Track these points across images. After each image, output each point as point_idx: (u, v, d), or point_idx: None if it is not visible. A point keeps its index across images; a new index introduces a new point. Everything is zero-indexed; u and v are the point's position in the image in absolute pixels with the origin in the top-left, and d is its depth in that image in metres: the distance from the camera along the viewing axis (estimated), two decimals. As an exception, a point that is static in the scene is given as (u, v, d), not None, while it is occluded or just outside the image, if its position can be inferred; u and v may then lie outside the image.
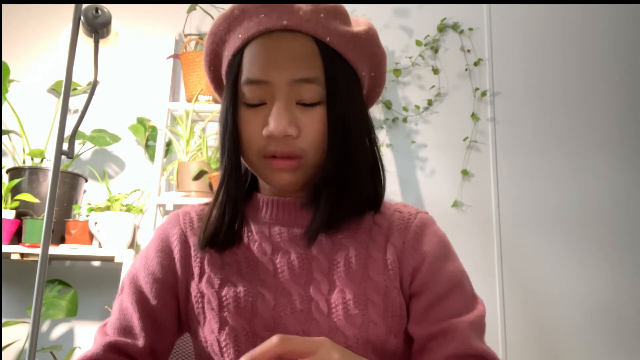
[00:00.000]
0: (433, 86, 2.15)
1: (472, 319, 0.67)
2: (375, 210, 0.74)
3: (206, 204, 0.79)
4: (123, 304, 0.73)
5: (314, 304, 0.67)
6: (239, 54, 0.68)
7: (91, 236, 1.84)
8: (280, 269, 0.69)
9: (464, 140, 2.10)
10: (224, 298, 0.68)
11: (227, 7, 2.17)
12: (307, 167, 0.68)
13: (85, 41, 1.29)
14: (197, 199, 1.83)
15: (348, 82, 0.69)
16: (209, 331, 0.68)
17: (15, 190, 1.81)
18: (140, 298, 0.72)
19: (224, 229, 0.71)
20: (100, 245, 1.84)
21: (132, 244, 1.89)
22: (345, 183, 0.69)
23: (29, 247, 1.73)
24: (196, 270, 0.72)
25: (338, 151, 0.67)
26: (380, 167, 0.73)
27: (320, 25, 0.66)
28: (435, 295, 0.68)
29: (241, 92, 0.68)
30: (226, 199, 0.71)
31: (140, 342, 0.70)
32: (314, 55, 0.66)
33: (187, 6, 2.12)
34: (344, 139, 0.67)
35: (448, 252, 0.72)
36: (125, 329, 0.71)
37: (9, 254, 1.74)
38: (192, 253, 0.73)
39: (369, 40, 0.71)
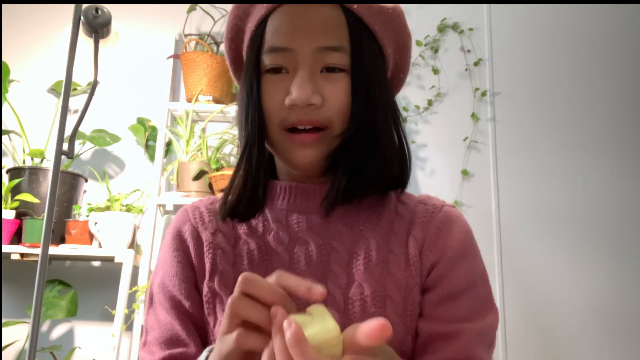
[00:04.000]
0: (433, 86, 2.15)
1: (482, 327, 0.63)
2: (401, 189, 0.71)
3: (215, 197, 0.76)
4: (159, 315, 0.69)
5: (330, 298, 0.63)
6: (262, 24, 0.67)
7: (91, 236, 1.84)
8: (296, 259, 0.66)
9: (464, 140, 2.10)
10: None
11: (227, 7, 2.18)
12: (331, 141, 0.64)
13: (85, 41, 1.29)
14: (197, 199, 1.83)
15: (373, 55, 0.67)
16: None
17: (15, 190, 1.81)
18: (174, 304, 0.68)
19: (245, 197, 0.68)
20: (100, 245, 1.84)
21: (132, 244, 1.89)
22: (366, 154, 0.65)
23: (29, 247, 1.73)
24: (207, 267, 0.68)
25: (360, 119, 0.64)
26: (407, 149, 0.70)
27: None
28: (446, 292, 0.64)
29: (263, 61, 0.66)
30: (248, 168, 0.68)
31: (192, 347, 0.66)
32: (341, 24, 0.65)
33: (187, 6, 2.12)
34: (366, 108, 0.65)
35: (469, 250, 0.68)
36: (172, 340, 0.67)
37: (9, 254, 1.74)
38: (205, 249, 0.69)
39: (396, 16, 0.69)
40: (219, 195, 0.74)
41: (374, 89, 0.66)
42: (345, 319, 0.62)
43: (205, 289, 0.67)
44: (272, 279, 0.48)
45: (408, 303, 0.63)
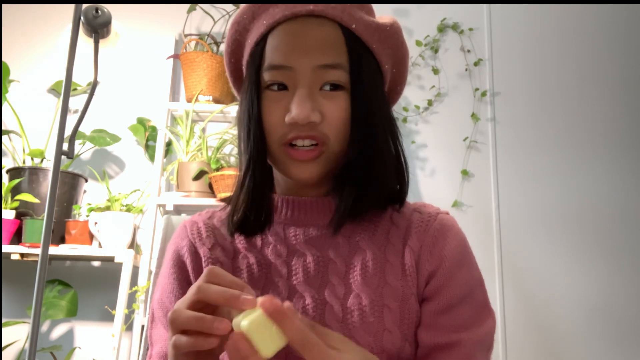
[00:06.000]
0: (433, 86, 2.15)
1: (481, 334, 0.66)
2: (400, 205, 0.72)
3: (214, 211, 0.77)
4: (159, 330, 0.71)
5: (328, 308, 0.65)
6: (262, 41, 0.68)
7: (91, 236, 1.84)
8: (294, 271, 0.68)
9: (464, 140, 2.10)
10: None
11: (227, 7, 2.18)
12: (329, 157, 0.66)
13: (85, 41, 1.29)
14: (197, 199, 1.83)
15: (372, 72, 0.68)
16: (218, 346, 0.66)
17: (15, 190, 1.81)
18: None
19: (253, 212, 0.70)
20: (100, 245, 1.84)
21: (132, 244, 1.89)
22: (369, 172, 0.67)
23: (29, 247, 1.73)
24: None
25: (361, 138, 0.66)
26: (404, 163, 0.72)
27: (346, 12, 0.66)
28: (446, 302, 0.66)
29: (263, 79, 0.67)
30: (253, 184, 0.69)
31: None
32: (339, 42, 0.65)
33: (187, 6, 2.12)
34: (367, 127, 0.66)
35: (465, 258, 0.69)
36: None
37: (9, 254, 1.74)
38: (203, 265, 0.71)
39: (394, 33, 0.70)
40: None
41: (373, 107, 0.67)
42: (344, 329, 0.63)
43: None
44: (200, 280, 0.52)
45: (405, 312, 0.65)
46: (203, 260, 0.71)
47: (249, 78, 0.69)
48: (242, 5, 0.71)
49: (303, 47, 0.65)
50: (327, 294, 0.66)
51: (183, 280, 0.71)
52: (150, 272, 1.83)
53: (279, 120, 0.65)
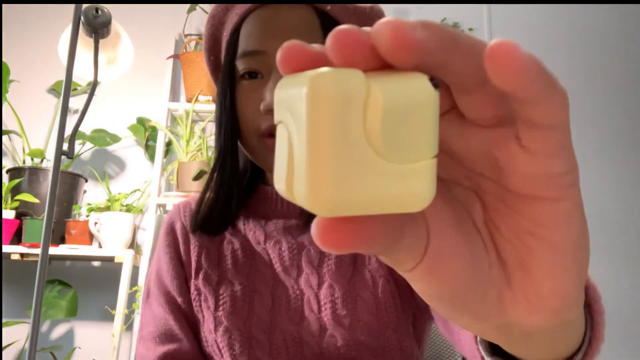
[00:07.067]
0: (433, 86, 2.15)
1: None
2: None
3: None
4: (154, 309, 0.69)
5: (306, 299, 0.63)
6: (236, 31, 0.66)
7: (91, 236, 1.84)
8: (273, 259, 0.67)
9: (464, 140, 2.10)
10: (221, 297, 0.65)
11: (227, 7, 2.17)
12: None
13: (85, 41, 1.29)
14: (197, 199, 1.83)
15: None
16: (208, 330, 0.65)
17: (15, 190, 1.81)
18: (168, 299, 0.69)
19: (217, 211, 0.68)
20: (100, 246, 1.84)
21: (132, 244, 1.89)
22: None
23: (29, 247, 1.73)
24: (193, 265, 0.69)
25: None
26: None
27: None
28: None
29: (237, 67, 0.65)
30: (220, 180, 0.67)
31: (185, 343, 0.66)
32: (314, 24, 0.63)
33: (187, 6, 2.12)
34: None
35: None
36: (166, 335, 0.67)
37: (9, 254, 1.74)
38: (191, 247, 0.70)
39: (375, 16, 0.67)
40: None
41: None
42: (320, 321, 0.62)
43: (192, 287, 0.68)
44: None
45: (378, 298, 0.63)
46: (191, 242, 0.71)
47: (223, 69, 0.67)
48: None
49: (276, 30, 0.62)
50: (303, 283, 0.64)
51: (177, 260, 0.71)
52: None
53: (255, 110, 0.63)
